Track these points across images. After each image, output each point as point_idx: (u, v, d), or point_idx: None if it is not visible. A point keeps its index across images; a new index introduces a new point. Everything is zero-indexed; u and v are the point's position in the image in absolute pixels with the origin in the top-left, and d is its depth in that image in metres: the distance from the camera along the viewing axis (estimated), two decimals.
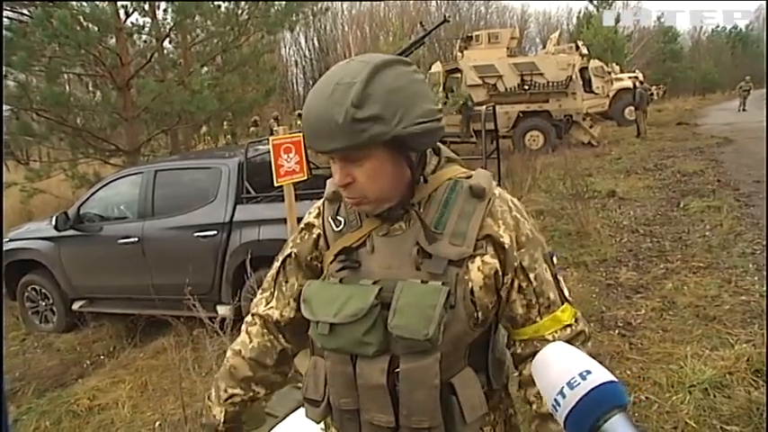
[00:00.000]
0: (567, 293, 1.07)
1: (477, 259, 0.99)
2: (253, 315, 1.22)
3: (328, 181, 1.10)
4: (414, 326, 0.92)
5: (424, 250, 0.98)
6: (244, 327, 1.23)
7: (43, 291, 5.25)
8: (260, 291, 1.24)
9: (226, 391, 1.19)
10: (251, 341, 1.19)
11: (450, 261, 0.97)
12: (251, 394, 1.20)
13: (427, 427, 0.98)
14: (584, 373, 0.52)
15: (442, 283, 0.95)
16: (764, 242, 5.28)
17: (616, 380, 0.51)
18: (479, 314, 1.01)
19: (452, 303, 0.96)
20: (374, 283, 1.00)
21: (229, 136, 12.47)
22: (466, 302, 0.98)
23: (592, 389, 0.51)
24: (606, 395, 0.51)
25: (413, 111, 0.93)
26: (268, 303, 1.20)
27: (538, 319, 1.03)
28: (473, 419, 1.01)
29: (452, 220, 0.99)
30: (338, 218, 1.09)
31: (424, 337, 0.91)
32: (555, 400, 0.53)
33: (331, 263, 1.07)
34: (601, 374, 0.52)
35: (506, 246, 1.00)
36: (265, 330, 1.20)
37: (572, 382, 0.52)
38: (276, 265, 1.20)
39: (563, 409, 0.52)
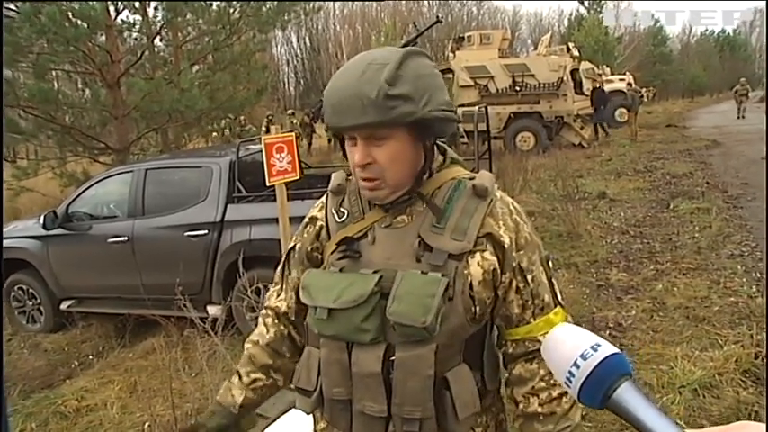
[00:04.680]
0: (560, 297, 1.10)
1: (477, 255, 1.02)
2: (266, 308, 1.27)
3: (333, 174, 1.16)
4: (412, 313, 0.95)
5: (425, 243, 1.01)
6: (260, 319, 1.27)
7: (30, 290, 5.18)
8: (272, 284, 1.29)
9: (248, 375, 1.21)
10: (267, 331, 1.23)
11: (451, 255, 1.00)
12: (271, 381, 1.23)
13: (419, 417, 0.99)
14: (595, 346, 0.57)
15: (442, 275, 0.98)
16: (754, 244, 5.34)
17: (621, 351, 0.57)
18: (477, 309, 1.03)
19: (451, 296, 0.98)
20: (374, 272, 1.01)
21: (220, 133, 12.39)
22: (464, 296, 1.01)
23: (603, 359, 0.56)
24: (616, 364, 0.56)
25: (437, 97, 0.99)
26: (278, 296, 1.25)
27: (531, 320, 1.06)
28: (465, 416, 1.02)
29: (454, 216, 1.02)
30: (341, 209, 1.11)
31: (422, 325, 0.94)
32: (569, 371, 0.57)
33: (331, 253, 1.09)
34: (608, 347, 0.57)
35: (506, 246, 1.03)
36: (277, 321, 1.24)
37: (585, 354, 0.57)
38: (283, 258, 1.25)
39: (577, 379, 0.56)
